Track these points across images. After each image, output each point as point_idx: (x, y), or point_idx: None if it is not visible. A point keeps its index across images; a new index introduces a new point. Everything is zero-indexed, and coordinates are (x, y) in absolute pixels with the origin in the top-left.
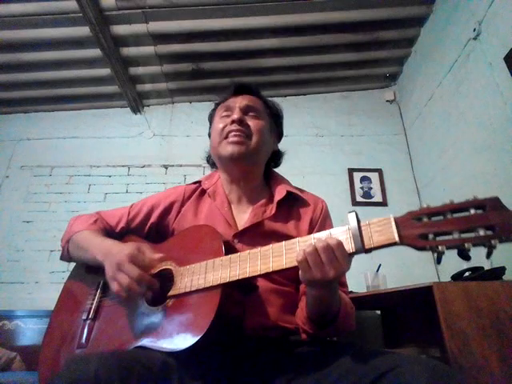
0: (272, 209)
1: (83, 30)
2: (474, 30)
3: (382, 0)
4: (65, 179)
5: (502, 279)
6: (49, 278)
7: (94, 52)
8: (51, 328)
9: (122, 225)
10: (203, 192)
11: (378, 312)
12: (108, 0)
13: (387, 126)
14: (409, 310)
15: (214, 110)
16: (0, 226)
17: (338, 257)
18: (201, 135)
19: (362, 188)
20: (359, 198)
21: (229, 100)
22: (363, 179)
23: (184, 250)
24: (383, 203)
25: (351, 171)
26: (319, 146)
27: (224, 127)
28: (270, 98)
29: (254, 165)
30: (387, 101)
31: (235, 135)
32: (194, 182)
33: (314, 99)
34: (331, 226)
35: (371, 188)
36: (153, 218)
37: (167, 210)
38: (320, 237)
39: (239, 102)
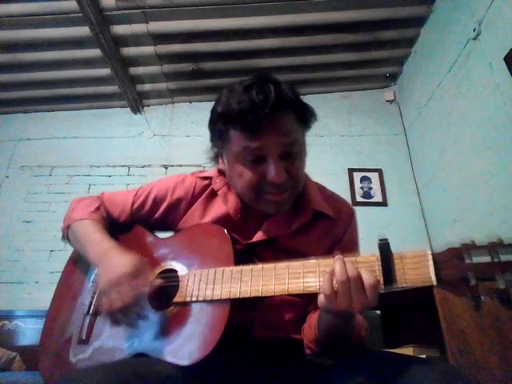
0: (291, 226)
1: (83, 30)
2: (474, 30)
3: (381, 0)
4: (65, 179)
5: None
6: (49, 278)
7: (94, 52)
8: (51, 316)
9: (124, 217)
10: (214, 192)
11: (378, 312)
12: (108, 0)
13: (387, 126)
14: (409, 310)
15: (223, 124)
16: (0, 225)
17: (369, 291)
18: (201, 135)
19: (361, 188)
20: (359, 198)
21: (255, 138)
22: (363, 179)
23: (190, 249)
24: (383, 203)
25: (351, 171)
26: (319, 146)
27: (259, 183)
28: None
29: None
30: (387, 101)
31: (277, 194)
32: (205, 177)
33: (313, 99)
34: (357, 240)
35: (371, 188)
36: (157, 214)
37: (173, 206)
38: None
39: (273, 142)
